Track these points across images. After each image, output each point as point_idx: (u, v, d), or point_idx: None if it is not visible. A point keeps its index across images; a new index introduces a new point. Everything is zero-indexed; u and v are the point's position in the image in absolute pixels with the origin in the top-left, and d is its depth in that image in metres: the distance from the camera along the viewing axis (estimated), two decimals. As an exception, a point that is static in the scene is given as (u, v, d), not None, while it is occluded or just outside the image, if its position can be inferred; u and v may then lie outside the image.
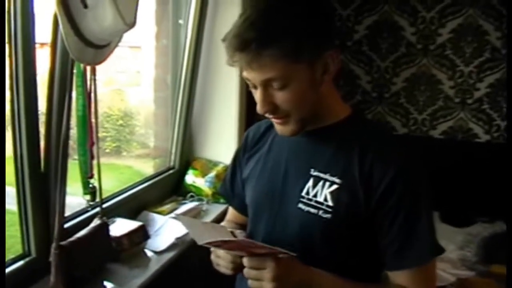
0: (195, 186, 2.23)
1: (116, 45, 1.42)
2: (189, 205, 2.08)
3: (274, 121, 1.08)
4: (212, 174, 2.23)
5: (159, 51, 2.26)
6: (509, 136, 2.15)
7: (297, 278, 1.00)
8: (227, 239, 0.98)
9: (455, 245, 2.77)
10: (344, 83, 3.36)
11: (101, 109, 4.22)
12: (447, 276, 2.51)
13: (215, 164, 2.30)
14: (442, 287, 2.36)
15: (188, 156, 2.36)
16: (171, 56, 2.21)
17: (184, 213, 1.98)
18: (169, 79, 2.24)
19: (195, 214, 2.05)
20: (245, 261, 0.99)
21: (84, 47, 1.29)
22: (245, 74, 1.02)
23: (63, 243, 1.37)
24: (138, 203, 2.00)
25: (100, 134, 4.39)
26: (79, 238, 1.43)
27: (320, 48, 1.00)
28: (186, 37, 2.18)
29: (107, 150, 4.05)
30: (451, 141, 3.25)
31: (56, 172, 1.40)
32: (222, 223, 1.43)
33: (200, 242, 1.02)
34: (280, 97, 1.01)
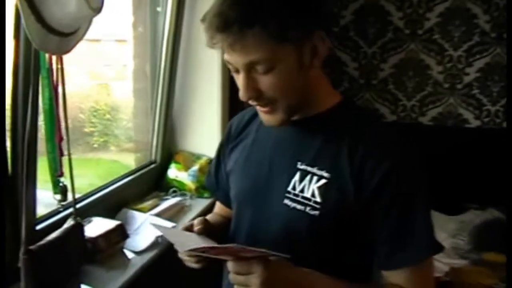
0: (177, 181, 2.14)
1: (85, 33, 1.32)
2: (171, 201, 2.00)
3: (259, 109, 1.00)
4: (195, 167, 2.15)
5: (137, 40, 2.16)
6: (509, 123, 2.10)
7: (288, 280, 0.91)
8: (212, 245, 0.91)
9: (447, 234, 2.73)
10: (331, 70, 3.27)
11: (88, 104, 4.15)
12: (441, 266, 2.47)
13: (198, 157, 2.21)
14: (436, 277, 2.30)
15: (170, 150, 2.27)
16: (149, 45, 2.11)
17: (166, 210, 1.89)
18: (148, 69, 2.14)
19: (178, 210, 1.97)
20: (230, 265, 0.90)
21: (47, 35, 1.19)
22: (226, 57, 0.94)
23: (32, 247, 1.28)
24: (118, 200, 1.90)
25: (87, 129, 4.30)
26: (50, 241, 1.33)
27: (309, 29, 0.92)
28: (164, 25, 2.08)
29: (95, 145, 3.98)
30: (441, 127, 3.20)
31: (24, 173, 1.30)
32: (208, 216, 1.34)
33: (184, 249, 0.95)
34: (265, 82, 0.93)
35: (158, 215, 1.83)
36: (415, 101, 3.21)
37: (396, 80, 3.21)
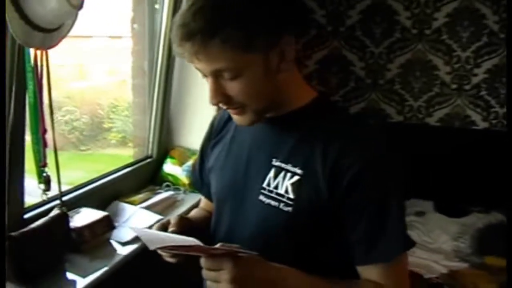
0: (172, 175, 2.18)
1: (70, 30, 1.37)
2: (163, 195, 2.04)
3: (230, 111, 1.03)
4: (190, 163, 2.18)
5: (135, 37, 2.20)
6: (509, 125, 2.07)
7: (259, 277, 0.92)
8: (179, 244, 0.93)
9: (449, 236, 2.70)
10: (337, 69, 3.27)
11: (107, 100, 4.22)
12: (439, 268, 2.44)
13: (194, 152, 2.25)
14: (428, 279, 2.29)
15: (166, 145, 2.31)
16: (147, 42, 2.15)
17: (156, 204, 1.93)
18: (146, 66, 2.19)
19: (169, 204, 2.01)
20: (202, 262, 0.93)
21: (30, 31, 1.25)
22: (194, 64, 0.96)
23: (13, 233, 1.34)
24: (112, 193, 1.95)
25: (106, 125, 4.38)
26: (32, 229, 1.39)
27: (274, 36, 0.94)
28: (162, 22, 2.12)
29: (113, 141, 4.06)
30: (448, 128, 3.15)
31: (7, 163, 1.36)
32: (194, 211, 1.39)
33: (152, 247, 0.97)
34: (232, 88, 0.95)
35: (148, 208, 1.87)
36: (422, 102, 3.17)
37: (403, 80, 3.17)
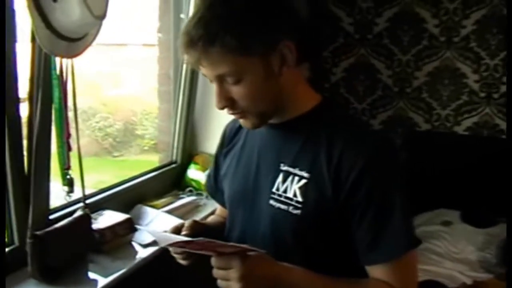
0: (195, 181, 2.23)
1: (94, 39, 1.43)
2: (185, 200, 2.09)
3: (235, 116, 1.07)
4: (212, 168, 2.22)
5: (162, 45, 2.27)
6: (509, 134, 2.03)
7: (266, 275, 0.97)
8: (186, 239, 0.98)
9: (475, 246, 2.65)
10: (365, 77, 3.28)
11: (139, 107, 4.31)
12: (463, 278, 2.41)
13: (217, 159, 2.29)
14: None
15: (190, 151, 2.36)
16: (172, 50, 2.21)
17: (178, 208, 1.98)
18: (172, 73, 2.25)
19: (191, 208, 2.05)
20: (212, 261, 0.97)
21: (56, 40, 1.31)
22: (200, 70, 1.02)
23: (38, 232, 1.40)
24: (136, 196, 2.01)
25: (139, 132, 4.43)
26: (56, 229, 1.45)
27: (272, 40, 0.98)
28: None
29: (145, 147, 4.14)
30: (476, 137, 3.11)
31: (33, 166, 1.43)
32: (210, 218, 1.45)
33: (162, 244, 1.04)
34: (236, 92, 1.00)
35: (169, 212, 1.92)
36: (450, 110, 3.14)
37: (430, 88, 3.15)
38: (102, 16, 1.33)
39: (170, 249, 1.09)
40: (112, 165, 4.06)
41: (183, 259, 1.12)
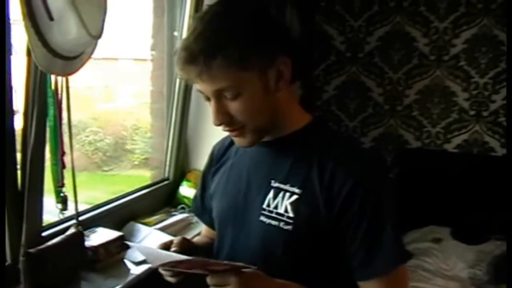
0: (188, 198, 2.23)
1: (89, 57, 1.45)
2: (178, 217, 2.09)
3: (230, 134, 1.08)
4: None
5: (155, 62, 2.29)
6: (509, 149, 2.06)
7: None
8: (179, 259, 0.97)
9: (466, 264, 2.66)
10: (356, 95, 3.31)
11: (130, 122, 4.29)
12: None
13: (209, 176, 2.29)
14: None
15: (183, 168, 2.36)
16: (166, 67, 2.23)
17: (171, 225, 1.98)
18: (165, 90, 2.26)
19: (183, 226, 2.05)
20: (208, 279, 0.97)
21: (52, 59, 1.32)
22: (197, 86, 1.02)
23: (31, 250, 1.40)
24: (129, 213, 2.01)
25: (129, 147, 4.40)
26: (49, 246, 1.45)
27: (270, 55, 1.00)
28: (180, 49, 2.19)
29: (136, 162, 4.12)
30: (466, 155, 3.14)
31: (26, 183, 1.43)
32: (196, 238, 1.43)
33: (154, 265, 1.03)
34: (234, 107, 1.00)
35: (162, 229, 1.92)
36: (440, 128, 3.17)
37: (421, 106, 3.19)
38: (99, 36, 1.34)
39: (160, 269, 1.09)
40: (103, 180, 4.04)
41: (171, 276, 1.10)
